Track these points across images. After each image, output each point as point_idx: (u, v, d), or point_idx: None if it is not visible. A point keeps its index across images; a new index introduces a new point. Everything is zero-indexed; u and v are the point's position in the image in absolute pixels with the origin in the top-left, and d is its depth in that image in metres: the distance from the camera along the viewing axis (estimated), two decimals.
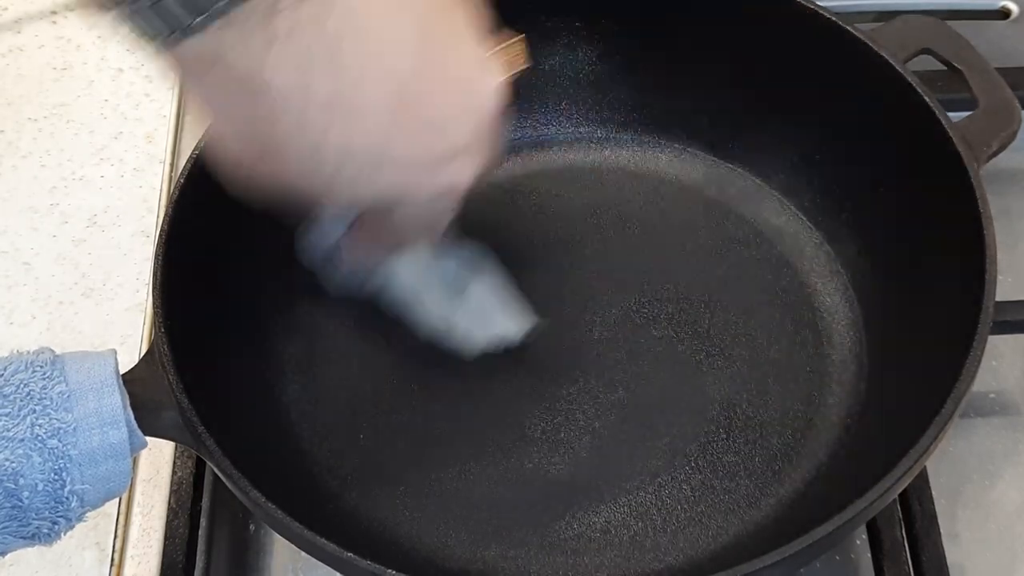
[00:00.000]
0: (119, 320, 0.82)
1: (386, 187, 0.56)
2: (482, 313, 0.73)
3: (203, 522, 0.72)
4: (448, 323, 0.73)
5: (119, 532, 0.74)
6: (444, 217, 0.63)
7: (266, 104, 0.51)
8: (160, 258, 0.67)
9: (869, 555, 0.70)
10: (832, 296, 0.77)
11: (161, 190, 0.89)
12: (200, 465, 0.73)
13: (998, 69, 0.75)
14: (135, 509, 0.75)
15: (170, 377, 0.62)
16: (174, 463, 0.73)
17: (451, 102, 0.56)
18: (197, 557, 0.71)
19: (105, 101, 0.95)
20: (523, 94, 0.83)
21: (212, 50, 0.50)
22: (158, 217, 0.87)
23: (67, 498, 0.57)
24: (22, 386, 0.57)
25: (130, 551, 0.73)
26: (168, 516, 0.71)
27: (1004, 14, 0.98)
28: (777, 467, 0.71)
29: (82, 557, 0.73)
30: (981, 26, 0.95)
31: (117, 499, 0.73)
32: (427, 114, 0.55)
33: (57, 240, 0.87)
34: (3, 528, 0.57)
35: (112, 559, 0.73)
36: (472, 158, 0.58)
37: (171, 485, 0.73)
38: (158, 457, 0.76)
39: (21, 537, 0.58)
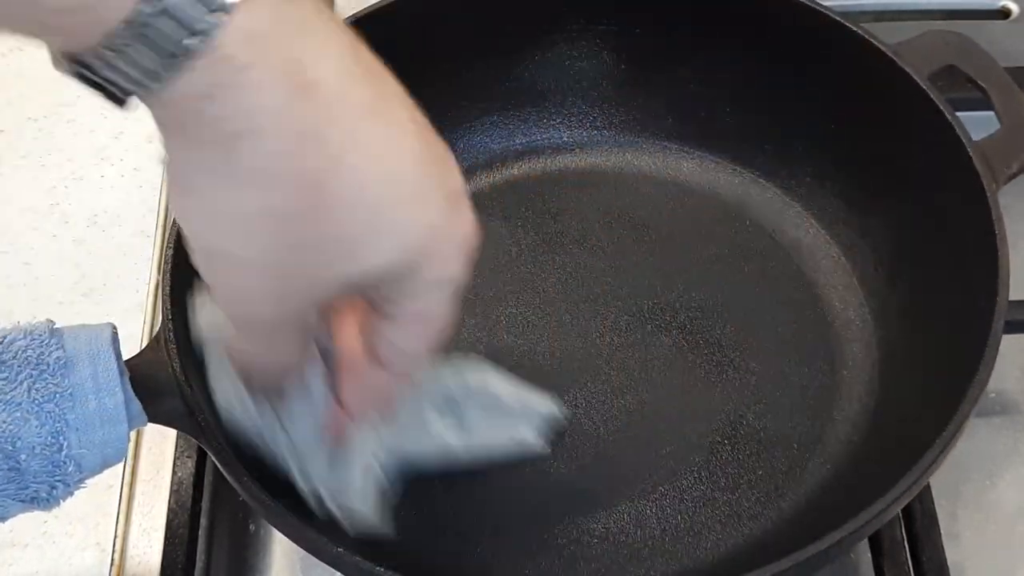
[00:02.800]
0: (119, 320, 0.80)
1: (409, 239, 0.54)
2: (502, 422, 0.73)
3: (203, 522, 0.75)
4: (475, 446, 0.72)
5: (119, 532, 0.76)
6: (442, 322, 0.59)
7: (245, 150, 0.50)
8: (172, 245, 0.70)
9: (869, 555, 0.73)
10: (846, 311, 0.80)
11: (161, 190, 0.93)
12: (200, 465, 0.76)
13: None
14: (135, 509, 0.78)
15: (174, 364, 0.66)
16: (174, 463, 0.76)
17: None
18: (197, 557, 0.73)
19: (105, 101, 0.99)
20: (547, 96, 0.88)
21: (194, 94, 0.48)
22: (158, 217, 0.91)
23: (64, 462, 0.60)
24: (20, 352, 0.61)
25: (130, 551, 0.76)
26: (168, 516, 0.74)
27: (1004, 14, 1.01)
28: (780, 482, 0.73)
29: (82, 557, 0.76)
30: (981, 26, 0.98)
31: (118, 499, 0.78)
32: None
33: (57, 240, 0.90)
34: (2, 491, 0.60)
35: (112, 559, 0.75)
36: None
37: (171, 485, 0.75)
38: (158, 457, 0.79)
39: (20, 500, 0.61)
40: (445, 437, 0.71)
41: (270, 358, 0.60)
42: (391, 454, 0.69)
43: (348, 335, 0.63)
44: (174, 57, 0.47)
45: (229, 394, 0.65)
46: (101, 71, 0.48)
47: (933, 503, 0.73)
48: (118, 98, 0.49)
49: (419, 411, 0.70)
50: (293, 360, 0.61)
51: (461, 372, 0.71)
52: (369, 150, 0.52)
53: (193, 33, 0.47)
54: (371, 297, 0.58)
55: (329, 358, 0.64)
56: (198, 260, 0.55)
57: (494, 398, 0.72)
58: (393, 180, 0.53)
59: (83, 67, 0.48)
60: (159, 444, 0.80)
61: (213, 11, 0.47)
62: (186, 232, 0.54)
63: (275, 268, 0.53)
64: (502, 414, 0.72)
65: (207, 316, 0.65)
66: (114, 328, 0.65)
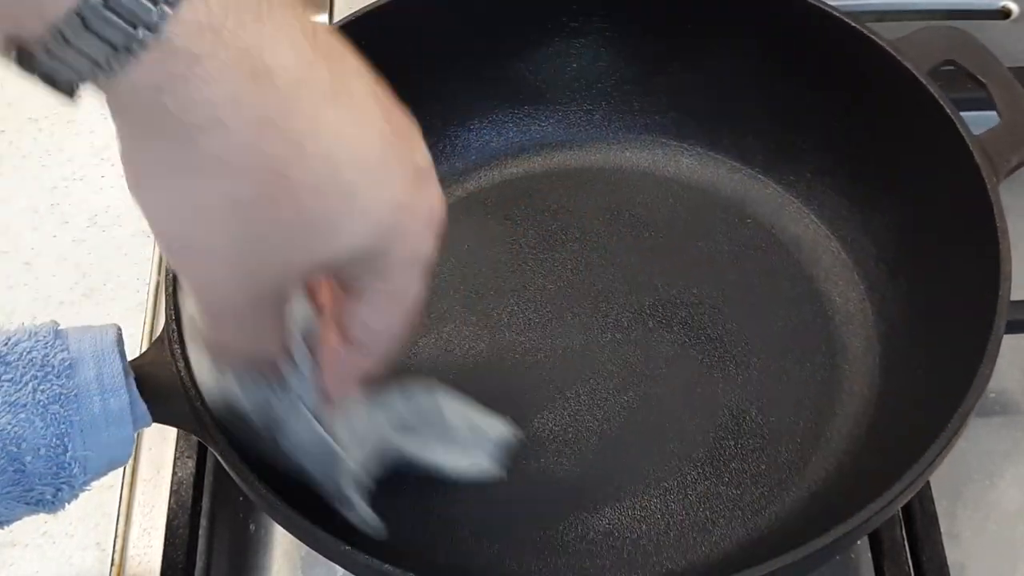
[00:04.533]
0: (119, 320, 0.80)
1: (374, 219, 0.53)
2: (454, 448, 0.72)
3: (203, 522, 0.74)
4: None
5: (119, 532, 0.76)
6: (415, 300, 0.58)
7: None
8: None
9: (869, 555, 0.73)
10: (848, 306, 0.80)
11: None
12: (201, 465, 0.75)
13: None
14: (136, 509, 0.78)
15: (178, 364, 0.65)
16: (174, 463, 0.75)
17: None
18: (197, 557, 0.73)
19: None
20: (546, 93, 0.88)
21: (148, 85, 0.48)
22: None
23: (69, 463, 0.60)
24: (25, 354, 0.60)
25: (130, 551, 0.76)
26: (168, 516, 0.73)
27: (1004, 14, 1.01)
28: (784, 476, 0.73)
29: (82, 557, 0.75)
30: (981, 26, 0.98)
31: (118, 499, 0.77)
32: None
33: (57, 240, 0.90)
34: (7, 493, 0.59)
35: (112, 559, 0.75)
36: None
37: (171, 485, 0.75)
38: (158, 457, 0.79)
39: (25, 503, 0.60)
40: (405, 453, 0.70)
41: (245, 345, 0.59)
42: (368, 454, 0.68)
43: (330, 316, 0.62)
44: (122, 50, 0.46)
45: (207, 377, 0.65)
46: (46, 62, 0.47)
47: (933, 503, 0.73)
48: (67, 90, 0.48)
49: (377, 427, 0.69)
50: (268, 347, 0.60)
51: (413, 397, 0.70)
52: (330, 134, 0.51)
53: (139, 25, 0.46)
54: (342, 278, 0.57)
55: (314, 339, 0.63)
56: (162, 248, 0.54)
57: (445, 426, 0.71)
58: (356, 163, 0.52)
59: (27, 56, 0.47)
60: (159, 444, 0.79)
61: (159, 3, 0.46)
62: (148, 221, 0.53)
63: (241, 256, 0.53)
64: (453, 441, 0.71)
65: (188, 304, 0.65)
66: (119, 329, 0.64)
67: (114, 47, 0.46)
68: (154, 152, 0.50)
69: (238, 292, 0.55)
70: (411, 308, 0.58)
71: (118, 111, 0.49)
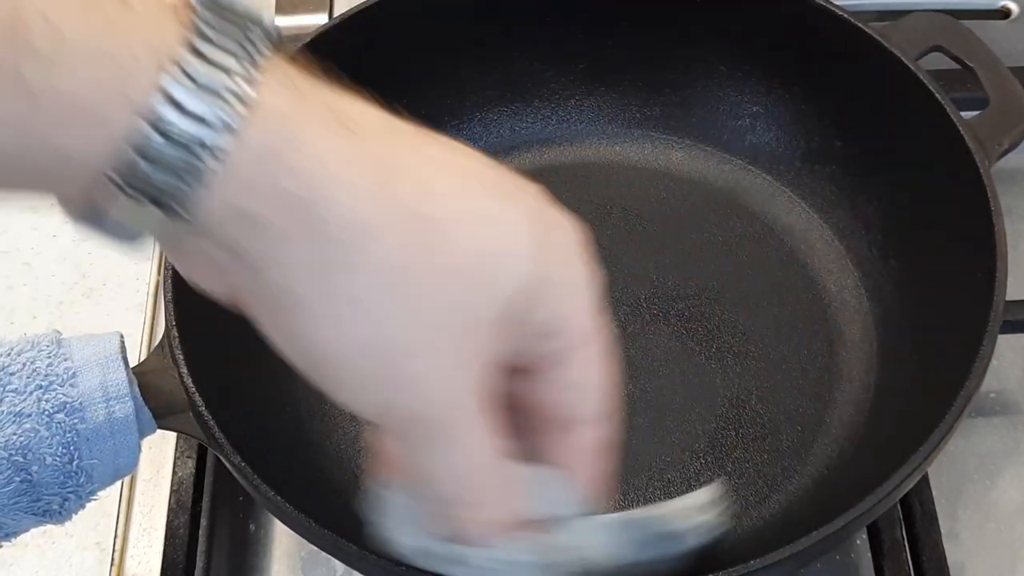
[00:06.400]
0: (119, 320, 0.83)
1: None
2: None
3: (203, 522, 0.73)
4: None
5: (119, 532, 0.75)
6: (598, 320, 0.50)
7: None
8: None
9: (869, 555, 0.71)
10: (843, 292, 0.79)
11: None
12: (201, 464, 0.74)
13: None
14: (135, 509, 0.76)
15: (181, 370, 0.64)
16: (174, 463, 0.74)
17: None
18: (197, 557, 0.72)
19: None
20: (535, 90, 0.86)
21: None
22: None
23: (76, 472, 0.59)
24: (28, 364, 0.59)
25: (130, 551, 0.75)
26: (168, 516, 0.72)
27: (1004, 14, 1.00)
28: (786, 464, 0.72)
29: (82, 557, 0.74)
30: (981, 26, 0.94)
31: (118, 499, 0.76)
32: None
33: (57, 240, 0.89)
34: (14, 504, 0.58)
35: (112, 559, 0.74)
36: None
37: (171, 485, 0.74)
38: (158, 457, 0.77)
39: (32, 514, 0.59)
40: None
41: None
42: None
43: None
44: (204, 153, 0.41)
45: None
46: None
47: (933, 503, 0.71)
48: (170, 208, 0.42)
49: None
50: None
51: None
52: (444, 168, 0.46)
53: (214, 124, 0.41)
54: (526, 357, 0.49)
55: None
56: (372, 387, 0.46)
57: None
58: (484, 184, 0.47)
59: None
60: (159, 444, 0.77)
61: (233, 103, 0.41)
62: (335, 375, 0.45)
63: (429, 330, 0.45)
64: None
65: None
66: (122, 337, 0.63)
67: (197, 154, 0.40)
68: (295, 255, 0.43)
69: (454, 386, 0.46)
70: (605, 340, 0.50)
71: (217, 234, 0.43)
